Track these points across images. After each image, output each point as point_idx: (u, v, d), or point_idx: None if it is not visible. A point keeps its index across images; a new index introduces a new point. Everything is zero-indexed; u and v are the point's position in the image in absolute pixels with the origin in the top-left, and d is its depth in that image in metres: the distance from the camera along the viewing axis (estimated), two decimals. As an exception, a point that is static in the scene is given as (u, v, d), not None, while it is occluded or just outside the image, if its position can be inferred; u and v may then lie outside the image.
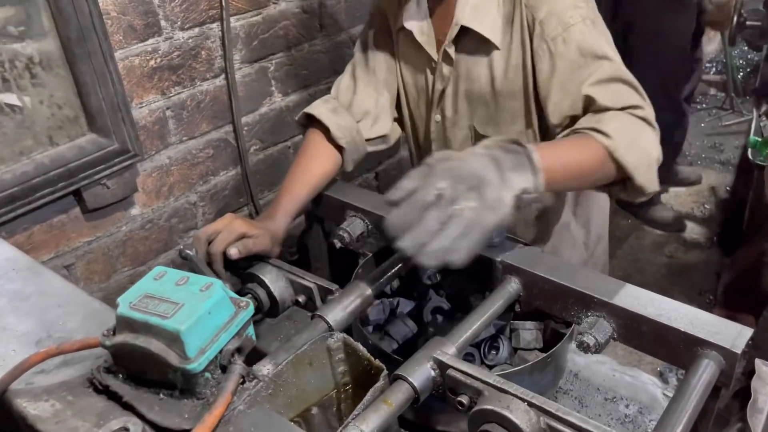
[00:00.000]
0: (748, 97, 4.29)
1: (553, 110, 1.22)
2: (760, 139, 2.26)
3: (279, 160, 1.90)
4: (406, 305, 1.38)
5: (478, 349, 1.27)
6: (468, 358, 1.26)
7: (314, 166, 1.37)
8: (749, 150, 2.33)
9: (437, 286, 1.39)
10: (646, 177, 1.10)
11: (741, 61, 4.68)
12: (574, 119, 1.18)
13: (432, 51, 1.34)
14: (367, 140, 1.44)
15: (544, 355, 1.17)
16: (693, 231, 3.40)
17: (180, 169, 1.65)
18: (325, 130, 1.37)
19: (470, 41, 1.28)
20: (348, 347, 1.07)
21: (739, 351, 0.95)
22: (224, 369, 0.73)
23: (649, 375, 1.36)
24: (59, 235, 1.44)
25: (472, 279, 1.33)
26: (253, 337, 0.76)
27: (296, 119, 1.44)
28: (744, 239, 2.82)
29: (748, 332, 0.98)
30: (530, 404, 0.86)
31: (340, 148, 1.39)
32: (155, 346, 0.68)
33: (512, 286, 1.18)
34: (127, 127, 1.42)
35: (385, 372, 1.00)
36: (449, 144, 1.44)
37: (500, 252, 1.20)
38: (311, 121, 1.40)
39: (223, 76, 1.67)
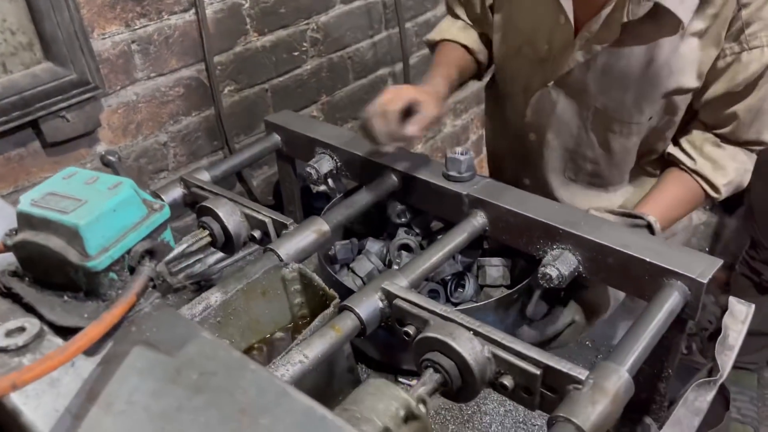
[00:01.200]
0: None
1: (704, 114, 1.23)
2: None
3: (256, 104, 1.84)
4: (374, 244, 1.34)
5: (444, 287, 1.23)
6: (433, 294, 1.22)
7: (458, 57, 1.40)
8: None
9: (407, 225, 1.35)
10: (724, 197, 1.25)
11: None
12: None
13: (568, 6, 1.16)
14: None
15: (509, 291, 1.13)
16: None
17: (148, 106, 1.60)
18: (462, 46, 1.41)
19: (644, 12, 1.09)
20: (304, 278, 1.03)
21: (705, 280, 0.90)
22: (134, 272, 0.68)
23: (625, 321, 1.31)
24: (18, 168, 1.40)
25: (441, 215, 1.28)
26: (172, 244, 0.72)
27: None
28: (745, 199, 2.75)
29: (717, 263, 0.93)
30: (475, 333, 0.82)
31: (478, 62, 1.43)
32: (54, 243, 0.63)
33: (478, 220, 1.13)
34: (87, 58, 1.36)
35: (337, 300, 0.96)
36: (554, 115, 1.30)
37: (468, 186, 1.15)
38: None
39: (192, 10, 1.60)
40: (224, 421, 0.54)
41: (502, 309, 1.13)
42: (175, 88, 1.64)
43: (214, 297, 0.98)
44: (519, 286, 1.13)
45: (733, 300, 1.00)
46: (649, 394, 1.01)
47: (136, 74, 1.55)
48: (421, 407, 0.60)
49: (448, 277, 1.23)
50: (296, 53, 1.90)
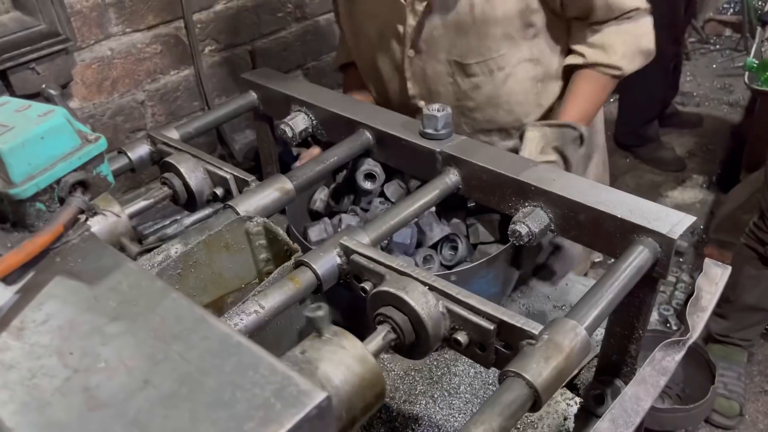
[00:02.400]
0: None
1: (571, 12, 1.27)
2: (757, 63, 2.11)
3: (237, 65, 1.80)
4: (351, 219, 1.30)
5: (436, 251, 1.20)
6: (428, 260, 1.18)
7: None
8: (746, 74, 2.19)
9: (383, 195, 1.31)
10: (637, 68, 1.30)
11: (759, 2, 4.47)
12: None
13: None
14: None
15: (505, 246, 1.08)
16: (693, 171, 3.29)
17: (124, 63, 1.56)
18: None
19: None
20: (269, 232, 1.00)
21: (675, 237, 0.86)
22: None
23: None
24: (-14, 122, 1.37)
25: (415, 174, 1.25)
26: (110, 179, 0.69)
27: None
28: (741, 177, 2.71)
29: (689, 220, 0.89)
30: (431, 287, 0.79)
31: None
32: (-24, 168, 0.60)
33: (451, 177, 1.10)
34: (56, 8, 1.32)
35: (299, 252, 0.93)
36: (427, 80, 1.36)
37: (442, 143, 1.12)
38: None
39: (170, -36, 1.57)
40: (136, 346, 0.52)
41: (500, 265, 1.09)
42: (152, 45, 1.60)
43: (174, 248, 0.95)
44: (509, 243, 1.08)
45: (708, 261, 0.97)
46: (620, 356, 0.98)
47: (110, 29, 1.51)
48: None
49: (439, 242, 1.20)
50: (280, 14, 1.85)
